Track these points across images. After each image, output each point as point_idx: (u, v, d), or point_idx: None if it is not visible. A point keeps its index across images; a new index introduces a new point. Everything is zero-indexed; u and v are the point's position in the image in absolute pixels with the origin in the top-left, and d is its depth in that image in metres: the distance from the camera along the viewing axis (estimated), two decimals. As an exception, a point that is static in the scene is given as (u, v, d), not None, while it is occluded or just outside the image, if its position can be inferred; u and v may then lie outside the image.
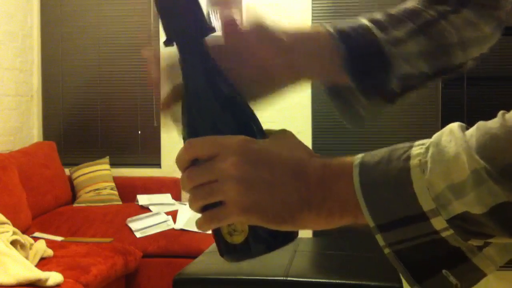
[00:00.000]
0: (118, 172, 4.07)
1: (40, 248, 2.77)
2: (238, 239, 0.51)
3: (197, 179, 0.49)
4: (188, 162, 0.49)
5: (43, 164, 3.70)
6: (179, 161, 0.50)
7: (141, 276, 3.18)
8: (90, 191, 3.85)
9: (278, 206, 0.47)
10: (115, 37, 4.24)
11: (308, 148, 0.51)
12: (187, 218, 3.39)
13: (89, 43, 4.26)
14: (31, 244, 2.79)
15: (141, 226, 3.32)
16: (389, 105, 0.63)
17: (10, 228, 2.72)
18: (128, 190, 3.93)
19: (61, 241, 3.17)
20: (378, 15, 0.64)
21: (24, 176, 3.37)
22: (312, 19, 4.07)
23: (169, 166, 4.16)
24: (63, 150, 4.14)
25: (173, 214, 3.46)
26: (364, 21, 0.63)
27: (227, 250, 0.52)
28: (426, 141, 0.44)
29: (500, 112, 0.41)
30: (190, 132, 0.52)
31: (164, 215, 3.46)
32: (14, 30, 3.98)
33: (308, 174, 0.48)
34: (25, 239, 2.76)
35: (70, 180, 3.95)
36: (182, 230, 3.29)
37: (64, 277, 2.46)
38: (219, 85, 0.52)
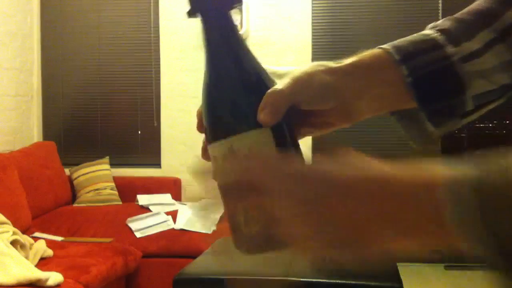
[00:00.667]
0: (118, 172, 4.07)
1: (40, 248, 2.77)
2: (254, 228, 0.48)
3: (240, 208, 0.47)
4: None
5: (43, 164, 3.70)
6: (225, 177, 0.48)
7: (141, 276, 3.18)
8: (90, 191, 3.85)
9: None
10: (115, 37, 4.24)
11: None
12: (187, 218, 3.39)
13: (89, 43, 4.26)
14: (31, 244, 2.79)
15: (141, 226, 3.32)
16: (463, 124, 0.57)
17: (10, 228, 2.72)
18: (128, 190, 3.93)
19: (61, 241, 3.17)
20: (446, 22, 0.55)
21: (24, 176, 3.37)
22: (312, 19, 4.07)
23: (169, 166, 4.16)
24: (63, 150, 4.14)
25: (173, 214, 3.46)
26: (430, 32, 0.55)
27: (241, 240, 0.49)
28: None
29: None
30: (209, 113, 0.49)
31: (164, 215, 3.45)
32: (14, 30, 3.98)
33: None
34: (25, 239, 2.76)
35: (70, 180, 3.95)
36: (182, 230, 3.29)
37: (64, 277, 2.46)
38: (245, 62, 0.49)
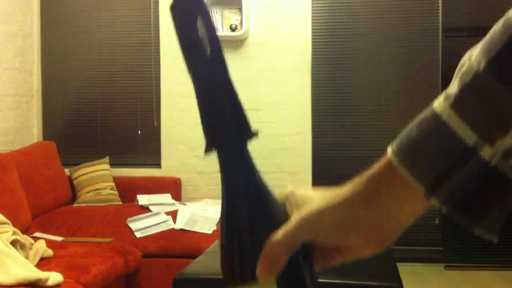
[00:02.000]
0: (118, 172, 4.07)
1: (40, 248, 2.77)
2: None
3: None
4: None
5: (43, 164, 3.70)
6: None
7: (141, 276, 3.18)
8: (90, 191, 3.85)
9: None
10: (115, 37, 4.24)
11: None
12: (187, 218, 3.40)
13: (89, 43, 4.26)
14: (31, 244, 2.79)
15: (141, 226, 3.33)
16: None
17: (10, 228, 2.72)
18: (128, 190, 3.93)
19: (61, 241, 3.17)
20: (465, 99, 0.40)
21: (24, 176, 3.37)
22: (312, 19, 4.07)
23: (169, 166, 4.16)
24: (63, 150, 4.14)
25: (173, 214, 3.46)
26: (448, 118, 0.41)
27: None
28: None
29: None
30: (221, 256, 0.49)
31: (164, 215, 3.46)
32: (14, 30, 3.98)
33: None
34: (25, 239, 2.76)
35: (70, 180, 3.95)
36: (182, 230, 3.29)
37: (64, 277, 2.46)
38: (257, 202, 0.48)
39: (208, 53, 0.47)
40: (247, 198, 0.48)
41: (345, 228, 0.45)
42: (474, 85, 0.40)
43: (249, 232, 0.47)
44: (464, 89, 0.40)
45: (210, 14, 0.48)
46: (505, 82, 0.38)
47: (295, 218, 0.46)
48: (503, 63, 0.38)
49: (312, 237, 0.45)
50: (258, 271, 0.45)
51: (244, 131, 0.48)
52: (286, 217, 0.48)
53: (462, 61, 0.42)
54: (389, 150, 0.43)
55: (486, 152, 0.39)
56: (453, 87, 0.41)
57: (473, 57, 0.40)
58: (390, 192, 0.44)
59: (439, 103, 0.41)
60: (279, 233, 0.45)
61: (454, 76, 0.42)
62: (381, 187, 0.44)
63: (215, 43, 0.47)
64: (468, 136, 0.40)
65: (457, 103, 0.40)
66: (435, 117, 0.41)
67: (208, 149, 0.48)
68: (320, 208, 0.45)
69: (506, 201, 0.41)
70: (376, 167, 0.44)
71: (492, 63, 0.39)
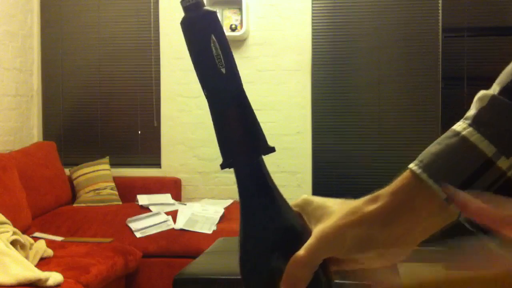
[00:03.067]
0: (118, 172, 4.07)
1: (40, 248, 2.77)
2: None
3: None
4: None
5: (43, 164, 3.70)
6: None
7: (141, 276, 3.18)
8: (90, 191, 3.85)
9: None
10: (115, 37, 4.24)
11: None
12: (187, 218, 3.40)
13: (89, 43, 4.26)
14: (31, 244, 2.79)
15: (141, 226, 3.33)
16: None
17: (10, 228, 2.72)
18: (128, 190, 3.93)
19: (61, 241, 3.17)
20: (484, 115, 0.45)
21: (24, 176, 3.37)
22: (312, 19, 4.07)
23: (169, 166, 4.16)
24: (63, 150, 4.14)
25: (173, 214, 3.47)
26: (469, 134, 0.44)
27: None
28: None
29: None
30: (242, 277, 0.49)
31: (164, 215, 3.46)
32: (14, 30, 3.98)
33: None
34: (25, 239, 2.76)
35: (70, 180, 3.95)
36: (182, 230, 3.29)
37: (64, 277, 2.46)
38: (276, 219, 0.48)
39: (224, 70, 0.47)
40: (263, 212, 0.48)
41: (364, 246, 0.46)
42: (490, 106, 0.44)
43: (267, 247, 0.47)
44: (481, 110, 0.45)
45: (223, 30, 0.48)
46: None
47: (315, 236, 0.46)
48: None
49: (332, 254, 0.46)
50: None
51: (259, 148, 0.48)
52: (302, 228, 0.48)
53: (476, 96, 0.47)
54: (412, 165, 0.46)
55: (503, 164, 0.43)
56: (471, 111, 0.46)
57: (488, 89, 0.46)
58: (414, 204, 0.45)
59: (458, 124, 0.45)
60: (301, 254, 0.45)
61: (471, 107, 0.46)
62: (404, 201, 0.45)
63: (230, 60, 0.47)
64: (487, 148, 0.43)
65: (475, 122, 0.44)
66: (456, 134, 0.45)
67: (224, 166, 0.48)
68: (340, 224, 0.46)
69: None
70: (397, 182, 0.46)
71: (506, 88, 0.44)
